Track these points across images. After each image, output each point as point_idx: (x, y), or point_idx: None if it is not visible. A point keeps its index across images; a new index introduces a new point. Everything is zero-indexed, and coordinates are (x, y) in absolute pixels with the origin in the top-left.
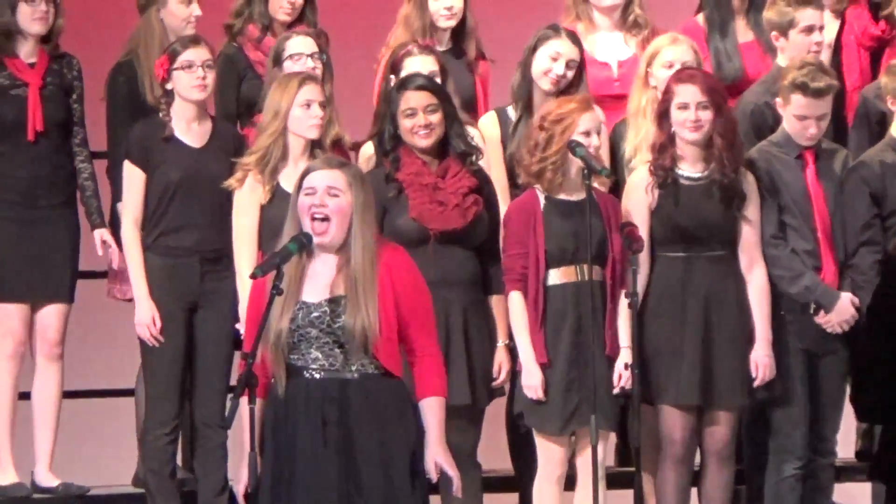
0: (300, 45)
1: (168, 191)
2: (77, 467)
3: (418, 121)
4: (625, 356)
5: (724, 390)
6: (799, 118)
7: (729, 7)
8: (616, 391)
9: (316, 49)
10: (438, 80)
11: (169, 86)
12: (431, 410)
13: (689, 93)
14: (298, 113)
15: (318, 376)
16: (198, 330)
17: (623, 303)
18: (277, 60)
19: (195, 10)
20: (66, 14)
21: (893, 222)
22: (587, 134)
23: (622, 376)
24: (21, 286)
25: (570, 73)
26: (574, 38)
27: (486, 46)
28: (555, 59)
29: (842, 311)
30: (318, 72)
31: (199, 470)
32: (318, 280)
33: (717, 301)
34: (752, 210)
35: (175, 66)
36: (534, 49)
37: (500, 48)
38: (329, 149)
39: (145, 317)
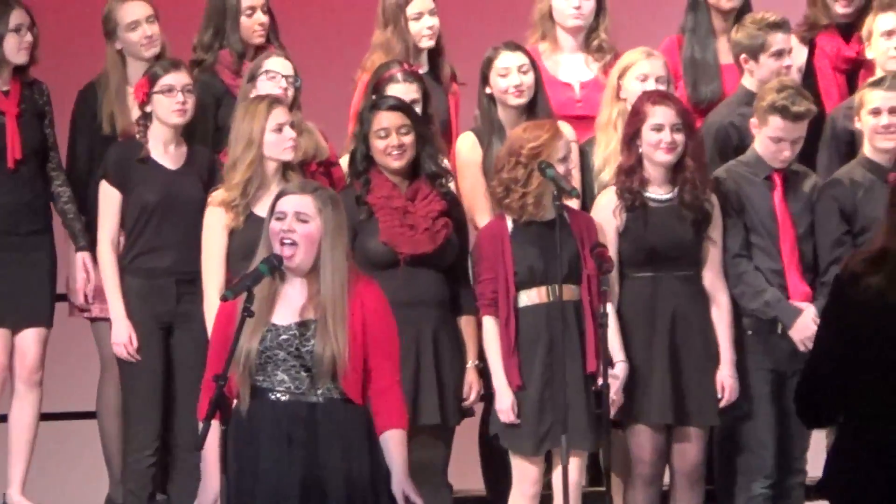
0: (279, 66)
1: (145, 212)
2: (49, 489)
3: (391, 141)
4: (618, 370)
5: (694, 409)
6: (774, 140)
7: (710, 27)
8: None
9: (292, 73)
10: (420, 107)
11: (148, 108)
12: (394, 442)
13: (663, 114)
14: (272, 138)
15: (283, 398)
16: (174, 352)
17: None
18: (252, 78)
19: (147, 30)
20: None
21: (864, 240)
22: (563, 160)
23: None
24: (5, 312)
25: (528, 79)
26: (514, 46)
27: (459, 62)
28: (504, 75)
29: (802, 328)
30: (292, 93)
31: (174, 491)
32: (289, 303)
33: (684, 320)
34: (715, 231)
35: (155, 89)
36: (485, 77)
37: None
38: (311, 168)
39: (122, 336)
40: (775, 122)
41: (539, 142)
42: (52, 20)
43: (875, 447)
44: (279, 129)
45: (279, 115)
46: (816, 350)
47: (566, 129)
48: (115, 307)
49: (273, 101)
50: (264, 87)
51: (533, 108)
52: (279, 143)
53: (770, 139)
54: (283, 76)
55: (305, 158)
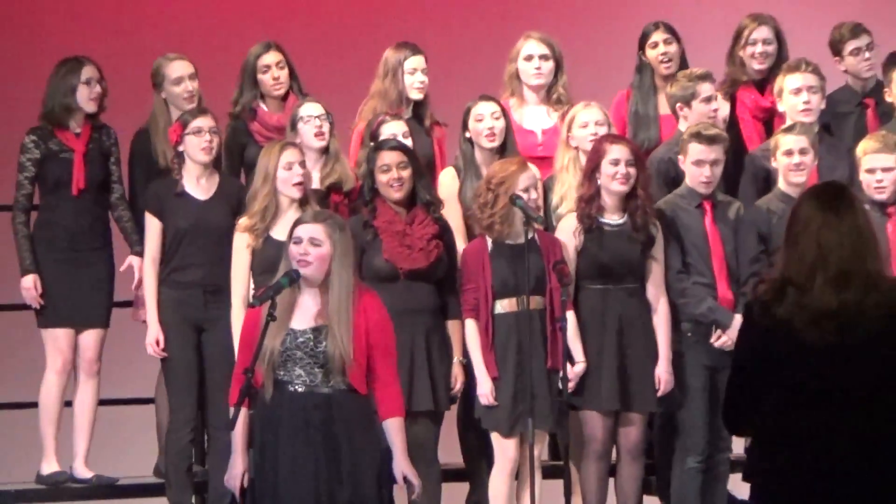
0: (311, 109)
1: (178, 236)
2: (107, 462)
3: (392, 175)
4: (578, 368)
5: (636, 398)
6: (696, 164)
7: (652, 85)
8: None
9: (323, 112)
10: (409, 141)
11: (181, 148)
12: (395, 429)
13: (619, 151)
14: (282, 175)
15: (300, 390)
16: (205, 349)
17: (570, 324)
18: (293, 125)
19: (189, 85)
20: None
21: (775, 259)
22: (526, 190)
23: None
24: (68, 314)
25: (499, 124)
26: (488, 98)
27: (446, 111)
28: (479, 120)
29: (734, 331)
30: (326, 130)
31: (210, 464)
32: (305, 311)
33: (629, 324)
34: (658, 251)
35: (186, 131)
36: (465, 123)
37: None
38: (328, 192)
39: (151, 338)
40: (693, 147)
41: (506, 173)
42: (110, 73)
43: (780, 435)
44: (289, 167)
45: (289, 155)
46: (734, 366)
47: (532, 167)
48: (151, 314)
49: (286, 144)
50: (304, 129)
51: (503, 151)
52: (288, 180)
53: (693, 164)
54: (315, 117)
55: (338, 183)
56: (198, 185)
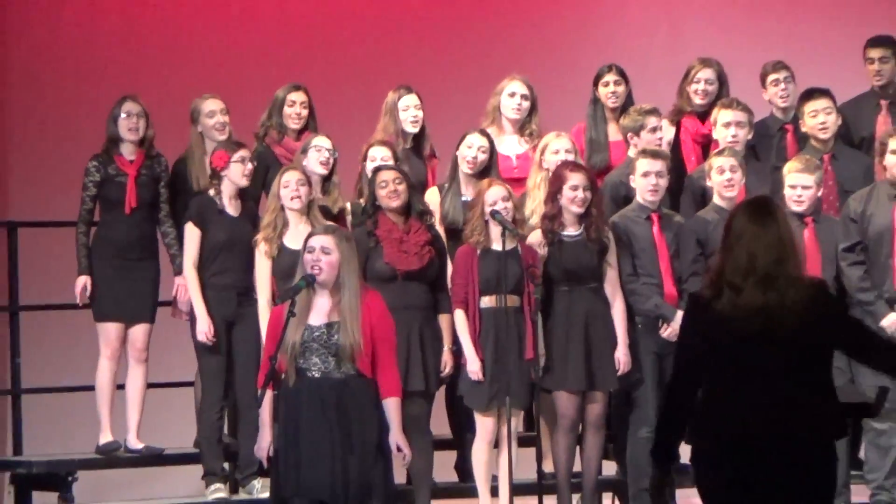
0: (322, 142)
1: (217, 247)
2: (155, 435)
3: (390, 188)
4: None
5: (599, 378)
6: (644, 175)
7: (603, 117)
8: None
9: (331, 147)
10: (392, 163)
11: (224, 172)
12: (393, 407)
13: (578, 178)
14: (283, 192)
15: (317, 375)
16: (235, 340)
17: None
18: (305, 151)
19: (220, 118)
20: (156, 125)
21: (711, 261)
22: (498, 201)
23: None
24: (118, 311)
25: (483, 156)
26: (484, 133)
27: (437, 140)
28: (469, 148)
29: (677, 323)
30: (332, 161)
31: (240, 437)
32: (320, 309)
33: (592, 318)
34: (612, 257)
35: (233, 159)
36: (459, 144)
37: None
38: (337, 217)
39: (203, 328)
40: (641, 162)
41: (481, 187)
42: (157, 110)
43: (716, 406)
44: (286, 186)
45: (288, 176)
46: (678, 350)
47: (502, 185)
48: (200, 309)
49: (288, 168)
50: (312, 156)
51: (487, 173)
52: (287, 196)
53: (641, 176)
54: (325, 149)
55: (343, 209)
56: (230, 203)
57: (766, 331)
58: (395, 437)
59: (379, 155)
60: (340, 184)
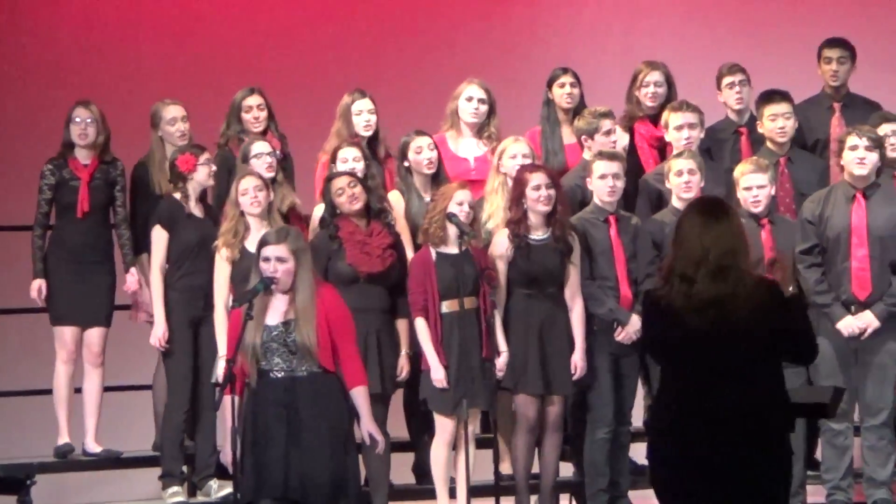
0: (260, 147)
1: (188, 249)
2: (114, 438)
3: (346, 194)
4: (503, 358)
5: (557, 382)
6: (601, 178)
7: (557, 119)
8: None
9: (270, 149)
10: (363, 163)
11: (193, 176)
12: (361, 396)
13: (539, 177)
14: (242, 199)
15: (279, 375)
16: (201, 341)
17: (498, 321)
18: (245, 158)
19: (180, 126)
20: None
21: (660, 264)
22: (460, 203)
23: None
24: (74, 314)
25: (434, 153)
26: (423, 133)
27: (394, 146)
28: (419, 152)
29: (632, 326)
30: (274, 164)
31: (199, 438)
32: (276, 309)
33: (550, 323)
34: (576, 257)
35: (200, 162)
36: (404, 154)
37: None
38: (287, 215)
39: (158, 333)
40: (598, 164)
41: (442, 190)
42: (117, 114)
43: (671, 402)
44: (245, 193)
45: (245, 182)
46: (643, 343)
47: (466, 189)
48: (159, 314)
49: (244, 173)
50: (255, 164)
51: (437, 176)
52: (247, 202)
53: (598, 178)
54: (265, 154)
55: (291, 207)
56: (196, 206)
57: (719, 322)
58: (367, 425)
59: (350, 156)
60: (286, 183)
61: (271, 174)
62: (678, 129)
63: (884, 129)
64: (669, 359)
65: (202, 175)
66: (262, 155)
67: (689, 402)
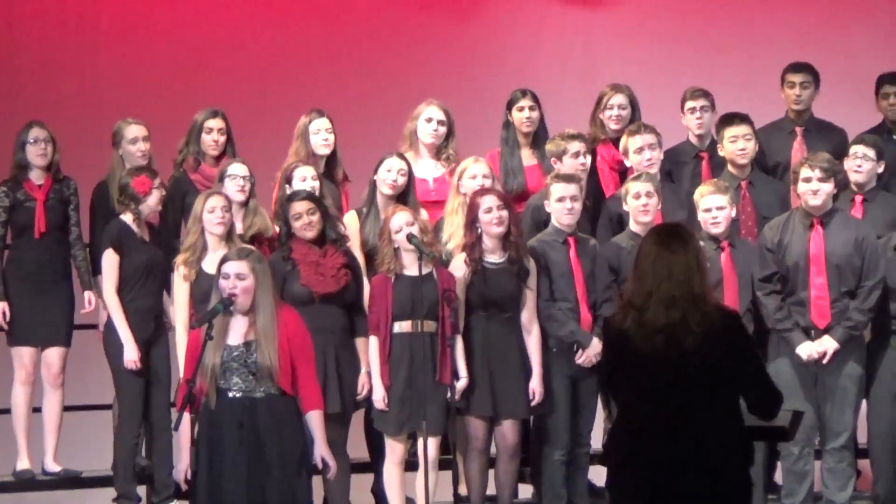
0: (237, 170)
1: (137, 271)
2: (73, 458)
3: (304, 220)
4: (462, 382)
5: (510, 405)
6: (559, 200)
7: (516, 141)
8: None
9: (248, 173)
10: (317, 183)
11: (145, 198)
12: (315, 420)
13: (490, 200)
14: (206, 217)
15: (237, 395)
16: (152, 363)
17: (458, 344)
18: (221, 178)
19: (142, 146)
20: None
21: (625, 287)
22: (398, 231)
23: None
24: (32, 335)
25: (402, 179)
26: (401, 156)
27: (351, 167)
28: (388, 171)
29: (592, 349)
30: (248, 187)
31: (153, 458)
32: (237, 330)
33: (505, 346)
34: (532, 281)
35: (155, 186)
36: (377, 168)
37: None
38: (252, 241)
39: (132, 355)
40: (556, 187)
41: (386, 220)
42: (76, 133)
43: (628, 431)
44: (212, 211)
45: (213, 201)
46: (602, 368)
47: (405, 210)
48: (127, 336)
49: (211, 192)
50: (229, 184)
51: (406, 200)
52: (211, 221)
53: (556, 201)
54: (240, 177)
55: (259, 232)
56: (144, 229)
57: (668, 347)
58: (320, 450)
59: (309, 174)
60: (259, 209)
61: (242, 198)
62: (638, 152)
63: (854, 148)
64: (625, 387)
65: (154, 200)
66: (235, 177)
67: (645, 435)
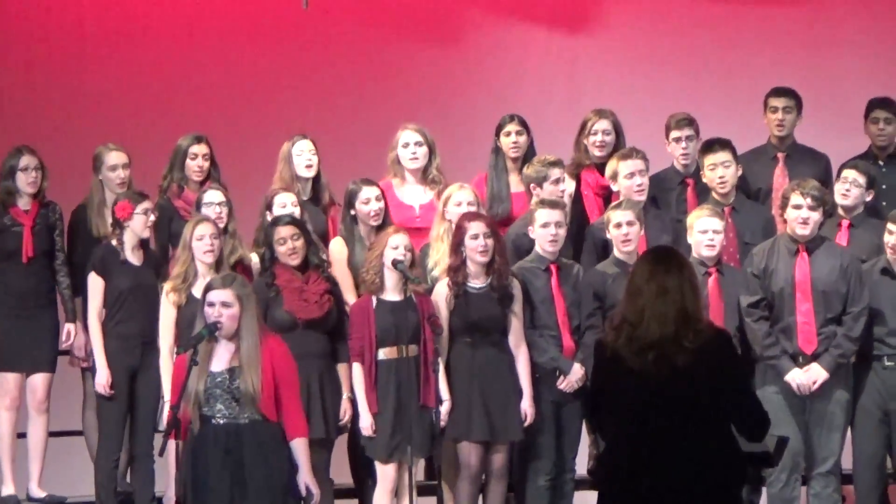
0: (213, 197)
1: (121, 296)
2: (58, 483)
3: (288, 245)
4: (445, 406)
5: (501, 429)
6: (543, 226)
7: (504, 167)
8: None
9: (223, 199)
10: (298, 209)
11: (127, 223)
12: (299, 448)
13: (478, 226)
14: (196, 244)
15: (221, 422)
16: (138, 389)
17: (441, 368)
18: (198, 206)
19: (121, 173)
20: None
21: (612, 313)
22: (395, 248)
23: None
24: (17, 361)
25: (380, 204)
26: (371, 182)
27: (338, 193)
28: (367, 203)
29: (574, 374)
30: (225, 213)
31: (134, 483)
32: (221, 356)
33: (493, 370)
34: (517, 307)
35: (137, 211)
36: (350, 203)
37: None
38: (234, 267)
39: (103, 379)
40: (540, 213)
41: (380, 238)
42: (57, 156)
43: (620, 456)
44: (201, 239)
45: (202, 229)
46: (591, 389)
47: (402, 233)
48: (100, 360)
49: (200, 219)
50: (205, 211)
51: (384, 226)
52: (200, 248)
53: (541, 227)
54: (216, 204)
55: (241, 259)
56: (133, 253)
57: (659, 366)
58: (304, 477)
59: (289, 201)
60: (237, 234)
61: (220, 224)
62: (629, 177)
63: (845, 173)
64: (616, 408)
65: (138, 224)
66: (212, 204)
67: (638, 459)
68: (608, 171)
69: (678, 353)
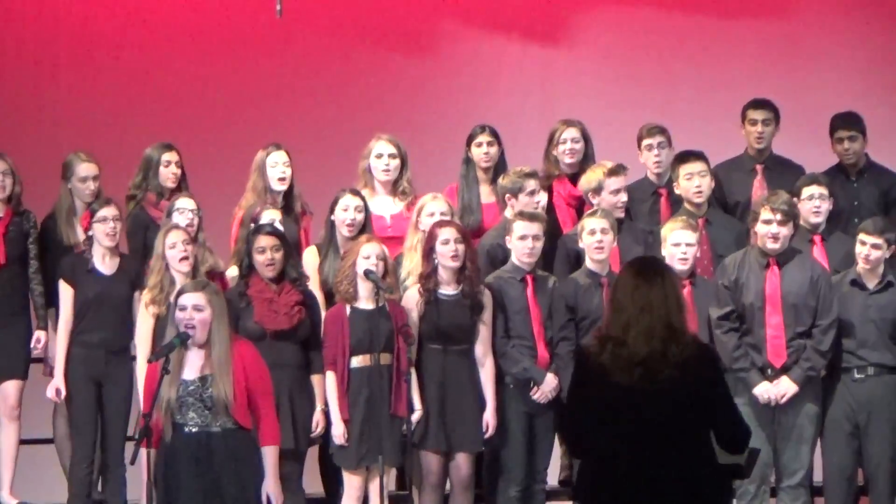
0: (185, 203)
1: (86, 304)
2: (30, 490)
3: (267, 256)
4: (416, 415)
5: (464, 439)
6: (520, 238)
7: (475, 178)
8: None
9: (195, 207)
10: (282, 228)
11: (90, 233)
12: (269, 455)
13: (449, 233)
14: (169, 253)
15: (194, 430)
16: (106, 399)
17: (413, 377)
18: (169, 213)
19: (92, 185)
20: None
21: (585, 324)
22: (367, 257)
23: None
24: None
25: (360, 216)
26: (356, 193)
27: (311, 202)
28: (345, 210)
29: (547, 385)
30: (196, 221)
31: (107, 491)
32: (193, 364)
33: (457, 379)
34: (487, 316)
35: (94, 220)
36: (332, 208)
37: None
38: (205, 275)
39: (53, 387)
40: (518, 224)
41: (355, 245)
42: (29, 164)
43: (603, 470)
44: (173, 247)
45: (173, 236)
46: (568, 400)
47: (376, 242)
48: (58, 367)
49: (170, 227)
50: (177, 218)
51: (363, 232)
52: (175, 257)
53: (518, 239)
54: (189, 210)
55: (212, 268)
56: (103, 262)
57: (645, 382)
58: (269, 486)
59: (276, 218)
60: (207, 243)
61: (191, 231)
62: (615, 193)
63: (811, 190)
64: (600, 421)
65: (98, 234)
66: (184, 210)
67: (623, 473)
68: (588, 182)
69: (664, 367)
